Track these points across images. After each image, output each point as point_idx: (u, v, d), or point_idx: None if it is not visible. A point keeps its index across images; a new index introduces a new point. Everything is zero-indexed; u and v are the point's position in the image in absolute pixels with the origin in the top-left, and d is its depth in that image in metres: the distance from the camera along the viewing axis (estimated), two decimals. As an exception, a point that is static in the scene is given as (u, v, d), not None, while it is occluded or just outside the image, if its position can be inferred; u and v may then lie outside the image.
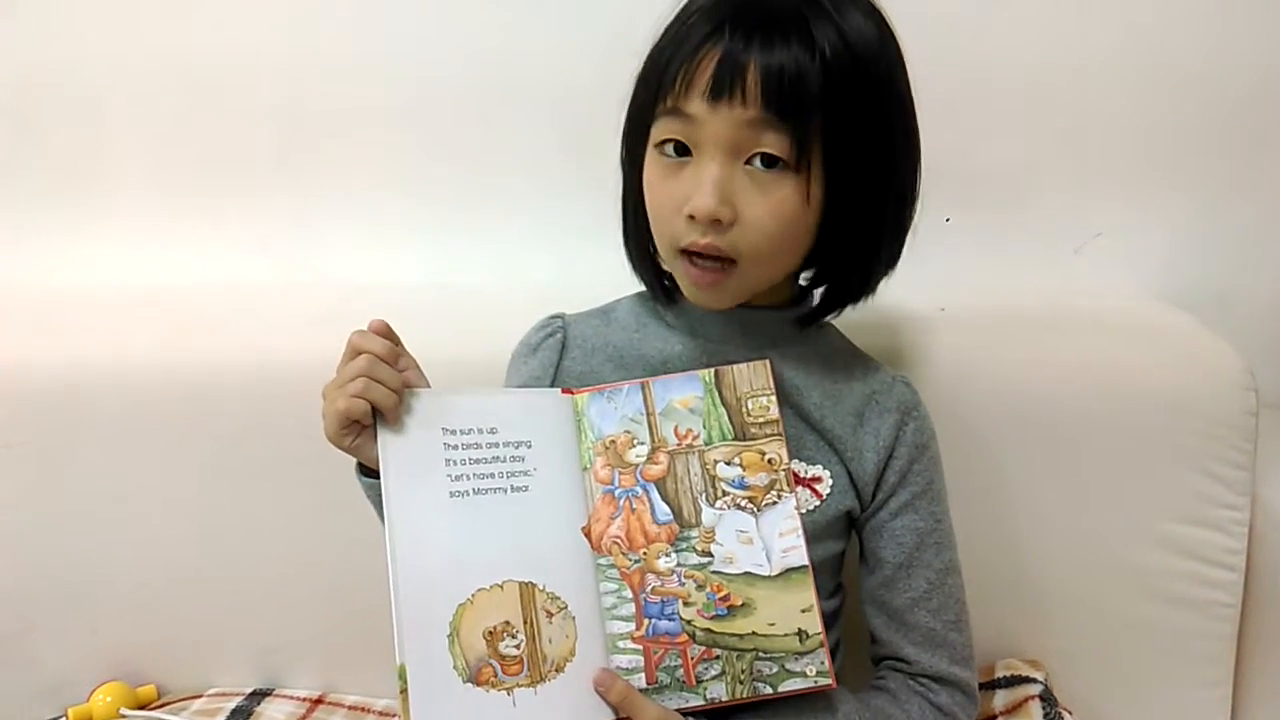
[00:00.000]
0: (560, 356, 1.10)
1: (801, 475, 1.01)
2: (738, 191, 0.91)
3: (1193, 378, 1.21)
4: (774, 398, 0.96)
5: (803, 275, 1.04)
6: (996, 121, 1.39)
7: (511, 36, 1.41)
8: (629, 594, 0.92)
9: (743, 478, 0.94)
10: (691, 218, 0.91)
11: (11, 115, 1.50)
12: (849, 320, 1.10)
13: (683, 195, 0.92)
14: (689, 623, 0.91)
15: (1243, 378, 1.19)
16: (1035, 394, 1.22)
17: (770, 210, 0.91)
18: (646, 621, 0.91)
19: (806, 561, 0.92)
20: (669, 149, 0.93)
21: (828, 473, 1.02)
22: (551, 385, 1.09)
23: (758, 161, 0.90)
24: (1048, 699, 1.18)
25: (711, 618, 0.91)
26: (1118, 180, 1.40)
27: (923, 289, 1.23)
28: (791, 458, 0.99)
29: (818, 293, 1.05)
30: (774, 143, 0.89)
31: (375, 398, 0.90)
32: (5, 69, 1.48)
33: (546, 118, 1.34)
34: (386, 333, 0.95)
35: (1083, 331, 1.27)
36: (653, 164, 0.96)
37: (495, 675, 0.86)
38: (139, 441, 1.31)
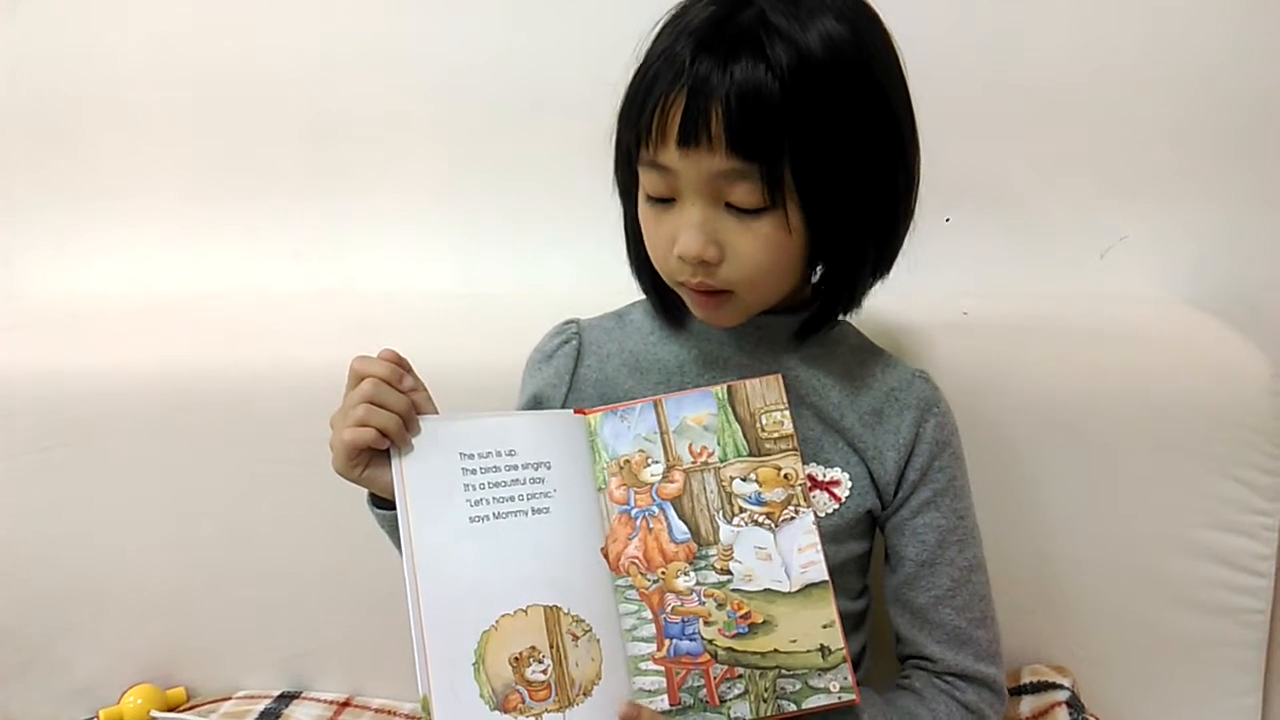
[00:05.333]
0: (576, 364, 1.10)
1: (820, 478, 1.00)
2: (722, 230, 0.91)
3: (1221, 382, 1.19)
4: (788, 412, 0.95)
5: (814, 277, 1.03)
6: (1022, 124, 1.37)
7: (539, 47, 1.41)
8: (649, 615, 0.91)
9: (759, 494, 0.93)
10: (682, 258, 0.92)
11: (46, 125, 1.52)
12: (873, 323, 1.10)
13: (672, 236, 0.93)
14: (710, 642, 0.90)
15: (1272, 382, 1.18)
16: (1061, 398, 1.21)
17: (757, 246, 0.91)
18: (668, 642, 0.90)
19: (826, 576, 0.91)
20: (654, 197, 0.94)
21: (846, 475, 1.01)
22: (568, 392, 1.08)
23: (735, 206, 0.90)
24: (1074, 705, 1.17)
25: (733, 636, 0.90)
26: (1144, 183, 1.38)
27: (946, 292, 1.22)
28: (810, 460, 0.99)
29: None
30: (744, 193, 0.89)
31: (379, 423, 0.90)
32: (41, 79, 1.50)
33: (574, 127, 1.33)
34: (393, 358, 0.95)
35: (1109, 336, 1.26)
36: (643, 205, 0.96)
37: (523, 702, 0.86)
38: (170, 447, 1.32)
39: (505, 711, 0.85)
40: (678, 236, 0.92)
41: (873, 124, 0.91)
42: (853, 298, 1.02)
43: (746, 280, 0.93)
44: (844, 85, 0.88)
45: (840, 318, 1.04)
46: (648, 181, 0.94)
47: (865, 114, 0.90)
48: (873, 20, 0.94)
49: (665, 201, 0.93)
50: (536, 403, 1.10)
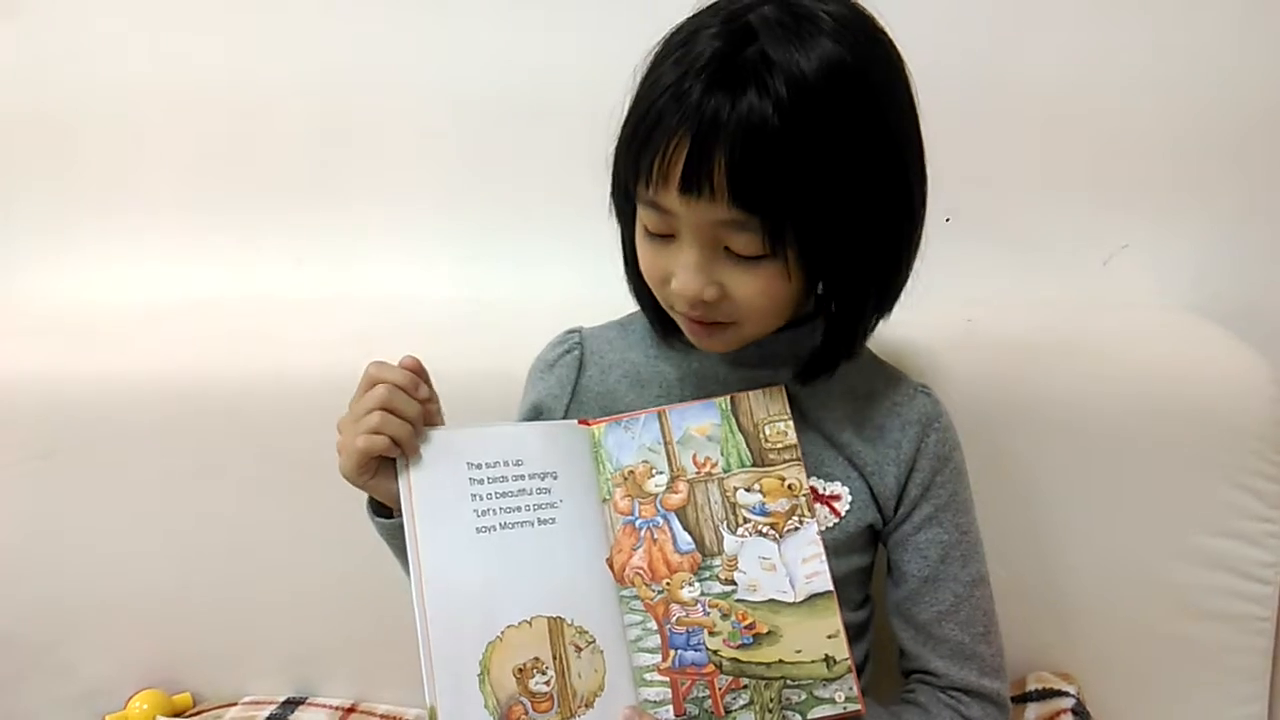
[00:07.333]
0: (578, 374, 1.09)
1: (820, 492, 1.00)
2: (721, 272, 0.90)
3: (1223, 389, 1.19)
4: (791, 423, 0.95)
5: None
6: (1024, 133, 1.37)
7: (541, 57, 1.42)
8: (653, 625, 0.91)
9: (763, 504, 0.93)
10: (680, 295, 0.91)
11: (49, 133, 1.52)
12: (875, 334, 1.09)
13: (670, 271, 0.92)
14: (715, 652, 0.90)
15: (1274, 389, 1.18)
16: (1063, 406, 1.21)
17: (756, 289, 0.90)
18: (673, 653, 0.90)
19: (831, 586, 0.91)
20: (653, 233, 0.93)
21: (847, 489, 1.01)
22: (569, 403, 1.08)
23: (734, 252, 0.89)
24: (1080, 713, 1.17)
25: (738, 647, 0.90)
26: (1145, 191, 1.38)
27: (949, 302, 1.22)
28: (810, 475, 0.98)
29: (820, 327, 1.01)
30: (745, 242, 0.87)
31: (393, 432, 0.89)
32: (44, 87, 1.50)
33: (576, 136, 1.32)
34: (414, 366, 0.94)
35: (1112, 343, 1.26)
36: (641, 236, 0.95)
37: (526, 713, 0.86)
38: (174, 453, 1.32)
39: None
40: (676, 274, 0.91)
41: (875, 155, 0.88)
42: (853, 343, 1.00)
43: (745, 316, 0.93)
44: (844, 112, 0.85)
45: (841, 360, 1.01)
46: (646, 218, 0.92)
47: (867, 143, 0.87)
48: (877, 43, 0.91)
49: (664, 237, 0.92)
50: (537, 412, 1.10)
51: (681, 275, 0.90)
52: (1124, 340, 1.27)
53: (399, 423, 0.90)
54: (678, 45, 0.90)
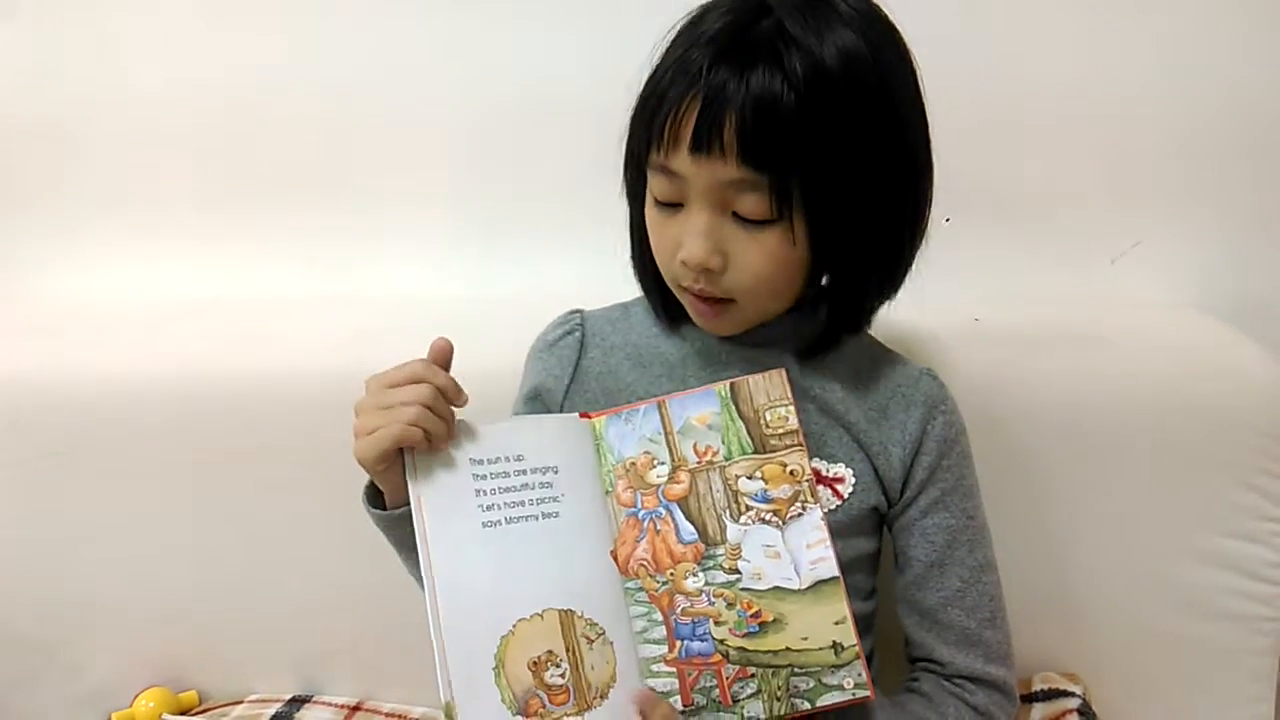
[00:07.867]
0: (579, 355, 1.10)
1: (824, 474, 1.00)
2: (727, 239, 0.91)
3: (1233, 388, 1.19)
4: (792, 407, 0.95)
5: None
6: (1035, 132, 1.38)
7: (549, 58, 1.43)
8: (659, 616, 0.91)
9: (766, 491, 0.93)
10: (685, 264, 0.92)
11: (61, 134, 1.53)
12: (884, 330, 1.10)
13: (677, 241, 0.93)
14: (721, 642, 0.90)
15: (1283, 386, 1.18)
16: (1071, 404, 1.21)
17: (760, 256, 0.91)
18: (679, 643, 0.90)
19: (837, 573, 0.90)
20: (662, 201, 0.94)
21: (850, 471, 1.01)
22: (570, 384, 1.09)
23: (741, 216, 0.90)
24: (1086, 713, 1.17)
25: (744, 635, 0.90)
26: (1156, 189, 1.38)
27: (958, 299, 1.22)
28: (814, 455, 0.98)
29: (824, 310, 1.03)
30: (752, 203, 0.89)
31: (429, 426, 0.88)
32: (55, 88, 1.51)
33: (583, 136, 1.34)
34: (448, 350, 0.94)
35: (1121, 341, 1.26)
36: (650, 207, 0.97)
37: (543, 706, 0.85)
38: (183, 453, 1.32)
39: (527, 716, 0.85)
40: (683, 242, 0.92)
41: (884, 143, 0.91)
42: (858, 320, 1.02)
43: (748, 290, 0.94)
44: (858, 101, 0.88)
45: (844, 336, 1.04)
46: (656, 185, 0.94)
47: (877, 132, 0.90)
48: (890, 35, 0.93)
49: (673, 206, 0.94)
50: (537, 394, 1.10)
51: (689, 242, 0.91)
52: (1132, 339, 1.27)
53: (436, 419, 0.89)
54: (693, 22, 0.93)
